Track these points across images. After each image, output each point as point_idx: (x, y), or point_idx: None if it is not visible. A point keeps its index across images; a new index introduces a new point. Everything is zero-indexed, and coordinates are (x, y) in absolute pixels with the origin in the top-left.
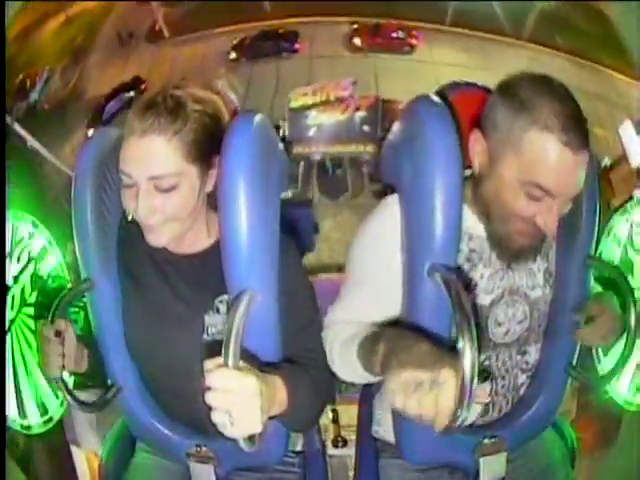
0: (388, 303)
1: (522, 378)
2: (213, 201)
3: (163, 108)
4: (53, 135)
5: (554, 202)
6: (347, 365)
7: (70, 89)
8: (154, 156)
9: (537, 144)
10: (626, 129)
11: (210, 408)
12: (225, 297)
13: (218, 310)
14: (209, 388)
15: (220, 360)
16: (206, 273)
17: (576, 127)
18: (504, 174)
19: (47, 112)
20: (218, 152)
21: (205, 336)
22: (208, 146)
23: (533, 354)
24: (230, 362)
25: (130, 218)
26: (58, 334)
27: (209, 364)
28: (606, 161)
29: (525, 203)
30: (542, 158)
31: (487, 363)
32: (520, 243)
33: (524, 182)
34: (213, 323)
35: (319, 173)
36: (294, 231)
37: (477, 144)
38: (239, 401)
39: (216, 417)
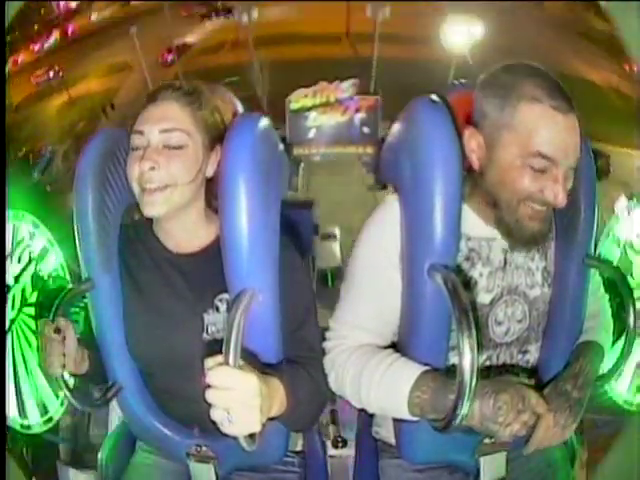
0: (388, 307)
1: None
2: (211, 201)
3: (181, 87)
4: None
5: (558, 171)
6: (361, 385)
7: (72, 174)
8: (167, 114)
9: (529, 115)
10: None
11: (210, 405)
12: (225, 296)
13: (218, 309)
14: (209, 386)
15: (221, 358)
16: (205, 272)
17: (560, 93)
18: (505, 156)
19: (49, 194)
20: (220, 141)
21: (205, 335)
22: (214, 129)
23: (534, 353)
24: (231, 360)
25: (134, 188)
26: (59, 332)
27: (210, 362)
28: None
29: (531, 178)
30: (538, 126)
31: (488, 363)
32: (531, 228)
33: (526, 155)
34: (213, 322)
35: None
36: (294, 232)
37: (472, 140)
38: (238, 399)
39: (215, 415)
